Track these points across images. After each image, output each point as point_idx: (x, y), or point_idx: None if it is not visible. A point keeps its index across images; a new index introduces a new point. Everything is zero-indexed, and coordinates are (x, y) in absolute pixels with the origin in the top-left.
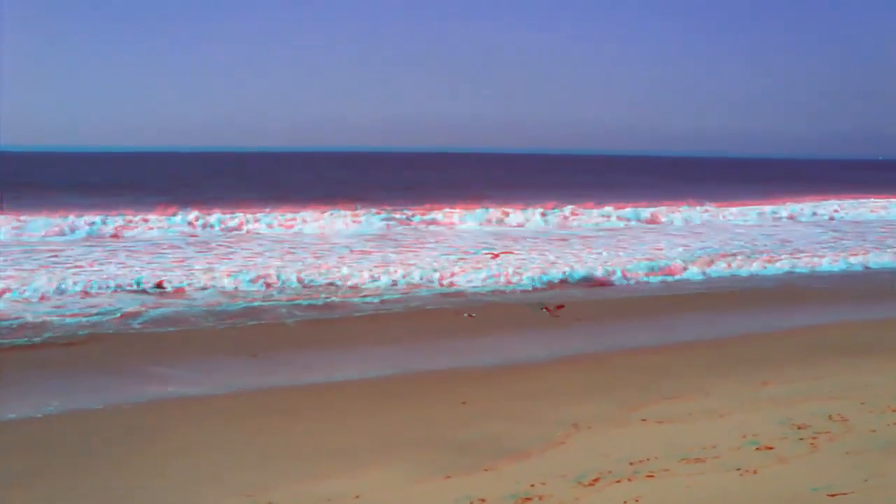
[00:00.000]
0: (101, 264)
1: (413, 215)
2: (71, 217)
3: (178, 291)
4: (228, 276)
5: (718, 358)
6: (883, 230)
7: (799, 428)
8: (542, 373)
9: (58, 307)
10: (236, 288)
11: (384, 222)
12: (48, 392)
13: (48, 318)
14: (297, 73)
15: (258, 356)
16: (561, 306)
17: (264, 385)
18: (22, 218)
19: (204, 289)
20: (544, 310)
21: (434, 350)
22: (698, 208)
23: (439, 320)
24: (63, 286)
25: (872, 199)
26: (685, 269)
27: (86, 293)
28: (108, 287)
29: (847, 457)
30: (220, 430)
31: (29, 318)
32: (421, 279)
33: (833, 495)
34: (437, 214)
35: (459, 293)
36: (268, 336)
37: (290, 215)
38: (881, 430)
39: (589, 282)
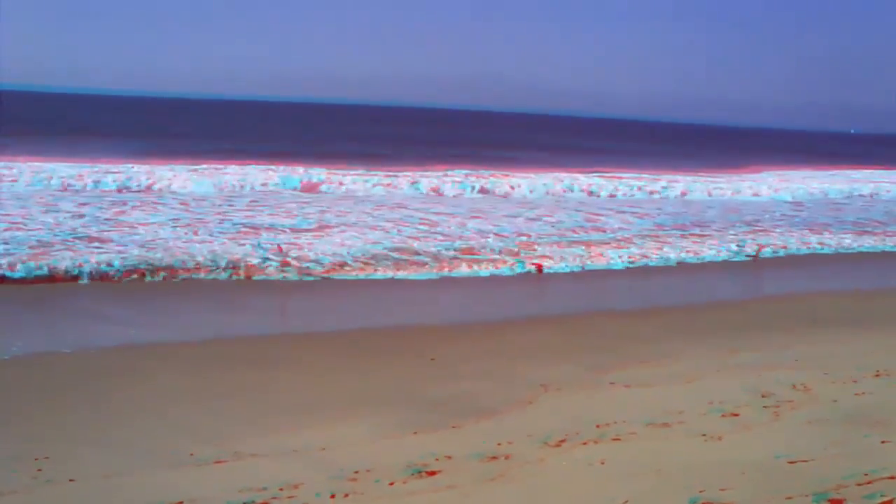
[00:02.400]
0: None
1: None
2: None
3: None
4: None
5: (691, 324)
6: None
7: (763, 396)
8: (514, 332)
9: None
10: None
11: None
12: (15, 334)
13: None
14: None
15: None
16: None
17: (235, 334)
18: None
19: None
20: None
21: (405, 306)
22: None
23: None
24: None
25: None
26: None
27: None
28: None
29: (808, 426)
30: (187, 378)
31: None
32: None
33: (793, 462)
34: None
35: None
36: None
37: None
38: (843, 400)
39: None
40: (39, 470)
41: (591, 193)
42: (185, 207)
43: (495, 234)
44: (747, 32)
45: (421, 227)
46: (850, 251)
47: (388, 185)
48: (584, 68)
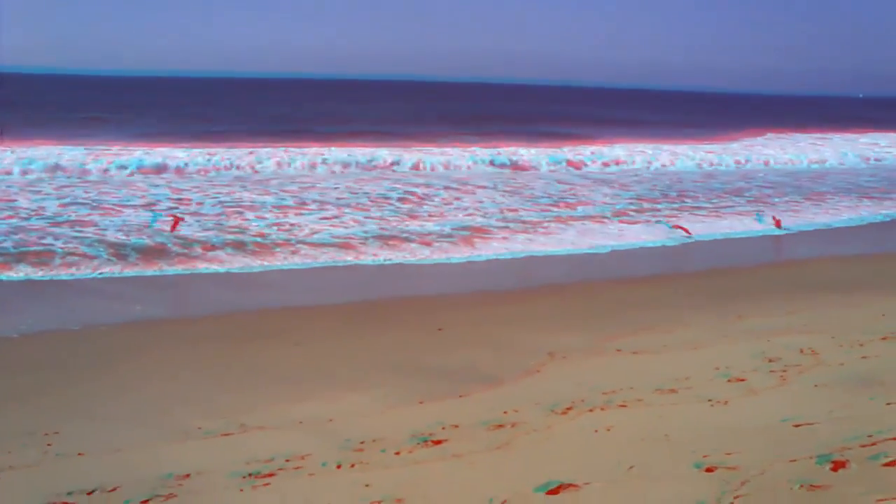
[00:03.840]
0: None
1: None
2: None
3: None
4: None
5: (697, 290)
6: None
7: (770, 361)
8: (520, 301)
9: None
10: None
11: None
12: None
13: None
14: None
15: None
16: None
17: (241, 308)
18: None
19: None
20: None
21: (412, 276)
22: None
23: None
24: None
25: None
26: None
27: None
28: None
29: (815, 389)
30: (195, 352)
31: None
32: None
33: (798, 426)
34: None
35: None
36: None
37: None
38: (849, 363)
39: None
40: (49, 444)
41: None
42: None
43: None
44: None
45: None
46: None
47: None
48: (590, 38)
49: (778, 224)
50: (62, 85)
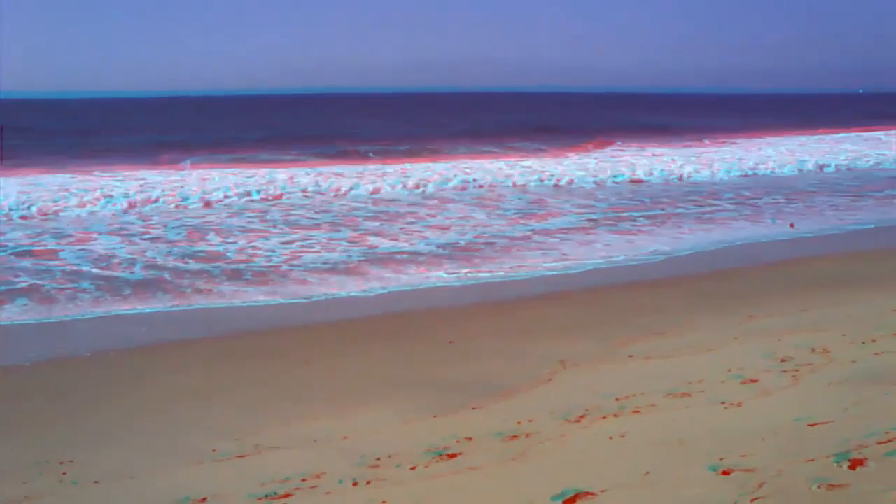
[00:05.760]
0: None
1: None
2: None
3: None
4: None
5: (705, 292)
6: None
7: (782, 361)
8: (529, 310)
9: None
10: None
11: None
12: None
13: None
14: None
15: None
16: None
17: (248, 328)
18: None
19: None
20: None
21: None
22: None
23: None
24: None
25: None
26: None
27: None
28: None
29: (828, 387)
30: (205, 374)
31: None
32: None
33: (813, 425)
34: None
35: None
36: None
37: None
38: (861, 360)
39: None
40: (64, 473)
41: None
42: None
43: None
44: None
45: None
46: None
47: None
48: (576, 42)
49: (792, 227)
50: (93, 109)
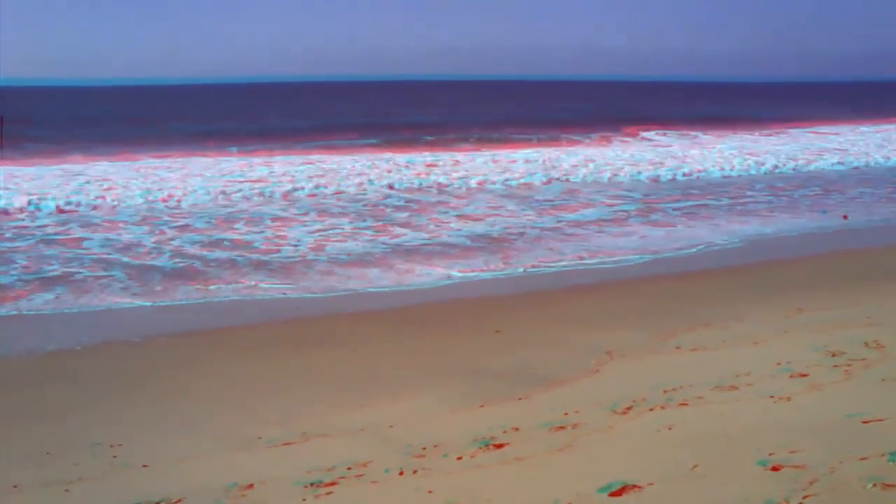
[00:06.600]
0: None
1: None
2: None
3: None
4: None
5: (753, 284)
6: None
7: (833, 355)
8: (576, 300)
9: None
10: None
11: None
12: (86, 325)
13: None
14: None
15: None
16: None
17: (297, 315)
18: None
19: None
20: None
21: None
22: None
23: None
24: None
25: None
26: None
27: None
28: None
29: (882, 384)
30: (253, 360)
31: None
32: None
33: (867, 422)
34: None
35: None
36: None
37: None
38: None
39: None
40: (115, 456)
41: None
42: None
43: None
44: None
45: None
46: None
47: None
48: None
49: (845, 218)
50: (117, 96)
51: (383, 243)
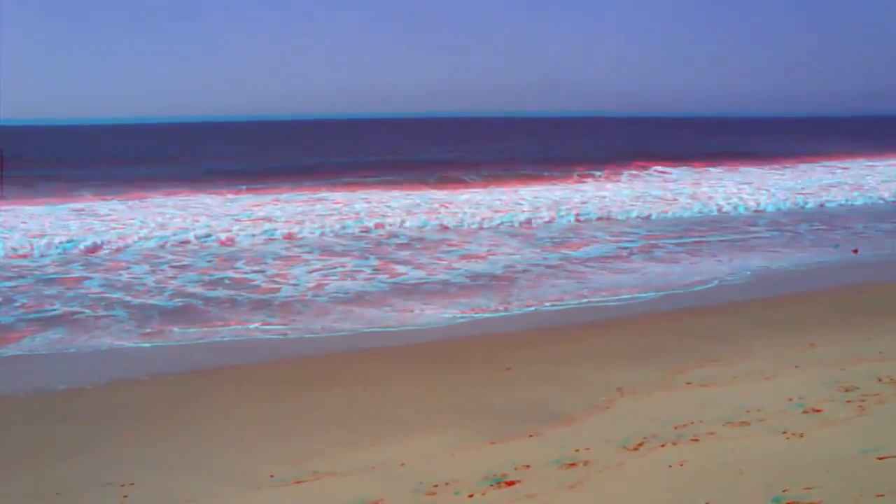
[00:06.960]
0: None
1: None
2: None
3: None
4: None
5: (763, 319)
6: None
7: (847, 390)
8: (585, 336)
9: None
10: None
11: None
12: (94, 364)
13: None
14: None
15: None
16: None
17: (305, 353)
18: None
19: None
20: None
21: (477, 316)
22: None
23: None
24: None
25: None
26: None
27: None
28: None
29: None
30: (263, 399)
31: None
32: None
33: (883, 458)
34: None
35: None
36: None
37: None
38: None
39: None
40: (126, 496)
41: None
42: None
43: None
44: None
45: None
46: None
47: None
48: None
49: (856, 252)
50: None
51: (389, 283)
